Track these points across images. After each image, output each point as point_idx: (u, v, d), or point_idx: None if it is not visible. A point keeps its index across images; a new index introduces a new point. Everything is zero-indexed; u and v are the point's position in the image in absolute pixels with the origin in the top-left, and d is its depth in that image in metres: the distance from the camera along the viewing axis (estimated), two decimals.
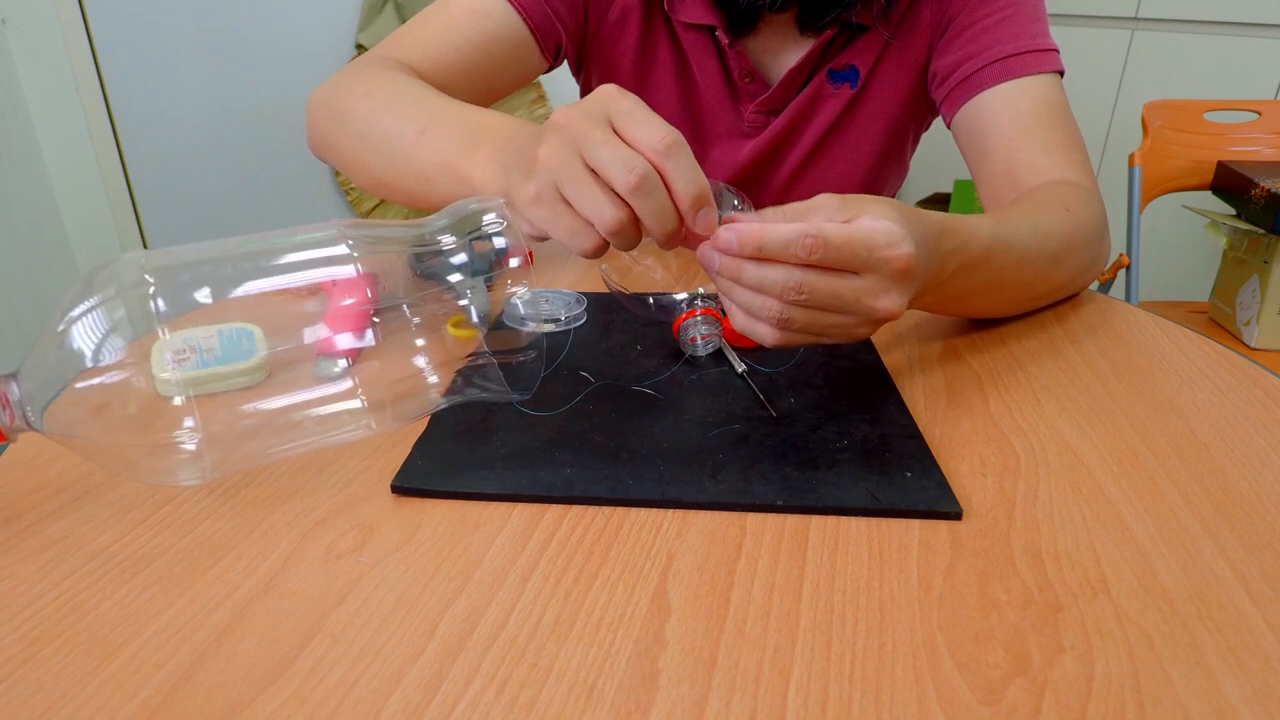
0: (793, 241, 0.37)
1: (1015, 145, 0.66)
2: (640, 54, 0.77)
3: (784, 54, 0.76)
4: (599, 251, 0.42)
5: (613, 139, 0.39)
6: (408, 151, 0.57)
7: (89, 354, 0.33)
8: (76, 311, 0.34)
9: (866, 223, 0.39)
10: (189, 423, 0.34)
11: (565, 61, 0.80)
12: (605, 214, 0.40)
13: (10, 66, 1.60)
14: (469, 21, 0.70)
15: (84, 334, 0.33)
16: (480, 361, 0.41)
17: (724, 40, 0.73)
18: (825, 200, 0.41)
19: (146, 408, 0.34)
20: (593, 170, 0.40)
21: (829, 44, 0.74)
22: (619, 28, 0.76)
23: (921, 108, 0.80)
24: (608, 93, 0.41)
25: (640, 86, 0.78)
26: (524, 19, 0.71)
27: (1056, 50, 0.69)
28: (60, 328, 0.34)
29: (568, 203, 0.41)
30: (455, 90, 0.67)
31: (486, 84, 0.73)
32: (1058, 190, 0.61)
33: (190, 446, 0.35)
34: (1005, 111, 0.68)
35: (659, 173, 0.39)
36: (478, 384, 0.41)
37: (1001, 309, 0.59)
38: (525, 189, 0.43)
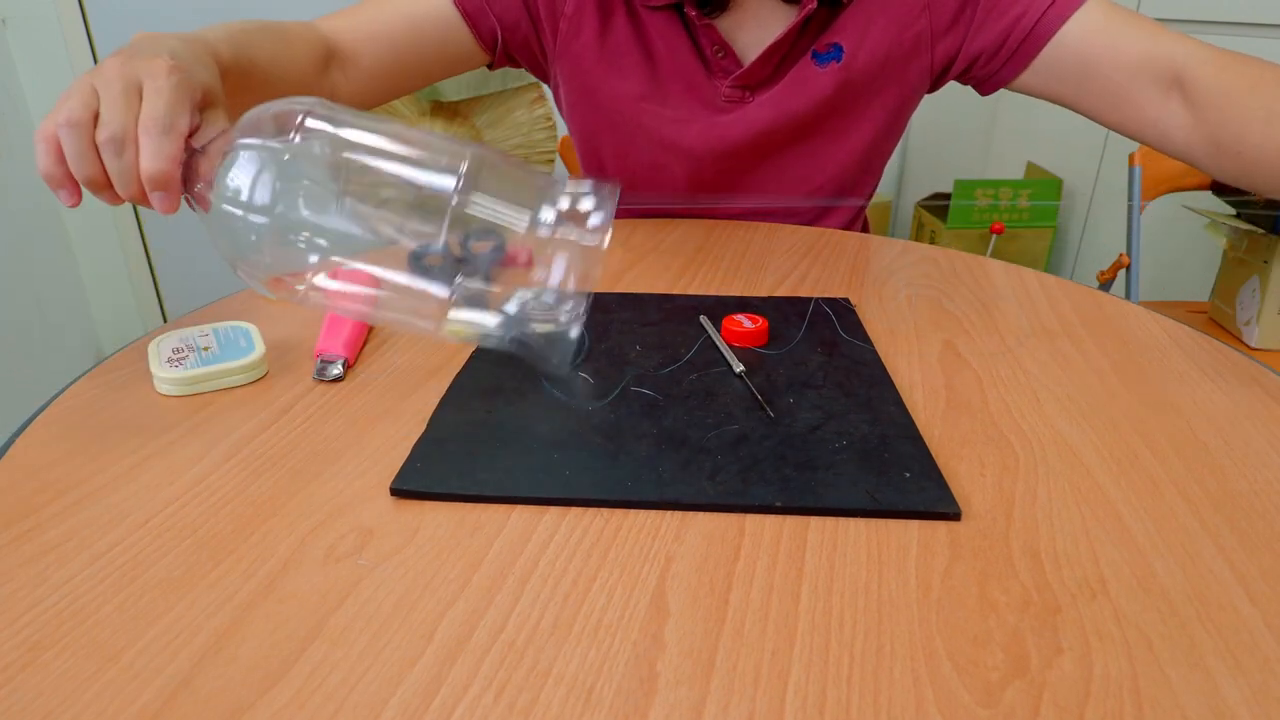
0: None
1: (1118, 56, 0.70)
2: (600, 42, 0.77)
3: (760, 30, 0.76)
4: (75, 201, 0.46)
5: (117, 105, 0.43)
6: None
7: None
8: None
9: None
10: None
11: (519, 60, 0.81)
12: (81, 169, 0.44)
13: (10, 66, 1.60)
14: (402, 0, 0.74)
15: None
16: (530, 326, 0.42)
17: (692, 14, 0.73)
18: None
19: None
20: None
21: (807, 22, 0.74)
22: (576, 21, 0.77)
23: (910, 77, 0.80)
24: (153, 66, 0.45)
25: (606, 76, 0.78)
26: (455, 4, 0.74)
27: None
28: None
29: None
30: (381, 63, 0.74)
31: (416, 62, 0.76)
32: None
33: None
34: (1086, 38, 0.71)
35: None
36: (524, 340, 0.41)
37: None
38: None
